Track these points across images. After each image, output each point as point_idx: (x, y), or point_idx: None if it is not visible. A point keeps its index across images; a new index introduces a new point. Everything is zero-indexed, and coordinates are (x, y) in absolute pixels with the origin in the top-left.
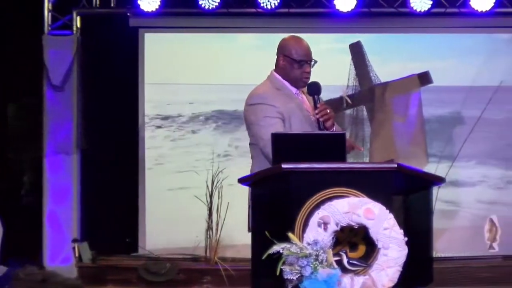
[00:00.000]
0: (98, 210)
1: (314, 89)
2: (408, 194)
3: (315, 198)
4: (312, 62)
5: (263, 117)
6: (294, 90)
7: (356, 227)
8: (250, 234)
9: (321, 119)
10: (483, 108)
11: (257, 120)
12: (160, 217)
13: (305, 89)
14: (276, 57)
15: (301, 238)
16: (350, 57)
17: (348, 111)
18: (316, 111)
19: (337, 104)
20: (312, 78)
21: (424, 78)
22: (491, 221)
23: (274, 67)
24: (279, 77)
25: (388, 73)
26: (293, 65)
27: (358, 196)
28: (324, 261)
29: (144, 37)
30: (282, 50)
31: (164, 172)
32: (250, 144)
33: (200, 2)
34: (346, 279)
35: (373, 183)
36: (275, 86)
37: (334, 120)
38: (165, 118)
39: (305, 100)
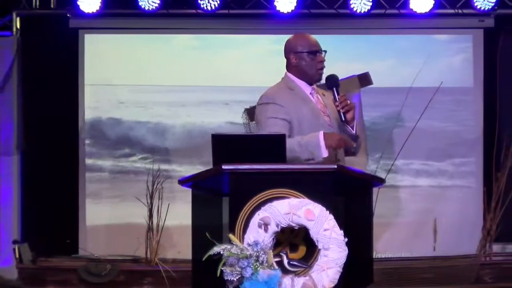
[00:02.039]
0: (38, 212)
1: (332, 82)
2: (348, 195)
3: (255, 199)
4: (323, 53)
5: (268, 118)
6: (308, 90)
7: (297, 228)
8: (190, 235)
9: (342, 111)
10: (423, 109)
11: (263, 119)
12: (101, 218)
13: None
14: (286, 59)
15: (241, 239)
16: None
17: None
18: (337, 103)
19: None
20: (251, 79)
21: (364, 79)
22: (436, 222)
23: (286, 70)
24: (293, 77)
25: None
26: (306, 58)
27: (298, 197)
28: (264, 262)
29: (84, 38)
30: (290, 48)
31: (104, 173)
32: None
33: (140, 3)
34: (287, 280)
35: (313, 184)
36: (288, 86)
37: (354, 113)
38: (105, 119)
39: (320, 100)
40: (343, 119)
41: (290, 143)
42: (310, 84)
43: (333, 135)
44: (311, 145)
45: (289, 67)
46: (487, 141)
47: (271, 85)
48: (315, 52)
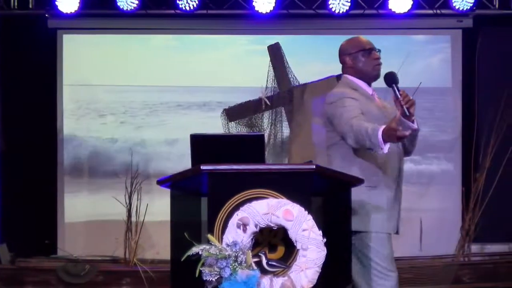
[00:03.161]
0: (17, 212)
1: (392, 79)
2: (327, 195)
3: (234, 199)
4: (378, 51)
5: (343, 107)
6: (370, 90)
7: (275, 228)
8: (169, 236)
9: (406, 106)
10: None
11: (338, 112)
12: (80, 218)
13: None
14: (341, 64)
15: (220, 240)
16: (268, 58)
17: (267, 113)
18: (401, 98)
19: (256, 106)
20: (230, 79)
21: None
22: (421, 222)
23: (342, 73)
24: (352, 78)
25: (307, 75)
26: (361, 58)
27: (277, 197)
28: (243, 262)
29: (62, 38)
30: (345, 51)
31: (83, 173)
32: (330, 145)
33: (118, 3)
34: (265, 280)
35: (292, 185)
36: (351, 86)
37: (415, 108)
38: (84, 119)
39: (380, 102)
40: (407, 114)
41: (361, 127)
42: (369, 84)
43: (390, 130)
44: (372, 138)
45: (345, 70)
46: (465, 142)
47: (249, 85)
48: (369, 50)
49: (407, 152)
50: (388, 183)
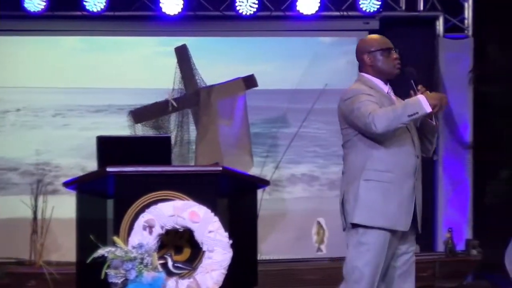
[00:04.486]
0: None
1: (409, 74)
2: (233, 197)
3: (140, 201)
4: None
5: (360, 102)
6: (386, 88)
7: (181, 230)
8: (75, 238)
9: None
10: (308, 111)
11: (355, 106)
12: None
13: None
14: (359, 62)
15: (126, 242)
16: (175, 60)
17: (173, 115)
18: (419, 94)
19: (162, 107)
20: (137, 81)
21: (249, 81)
22: (319, 223)
23: (359, 71)
24: (369, 76)
25: (214, 77)
26: (381, 57)
27: (183, 199)
28: (149, 264)
29: None
30: (364, 49)
31: None
32: (345, 142)
33: (25, 5)
34: (171, 282)
35: (198, 186)
36: (367, 84)
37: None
38: None
39: (395, 100)
40: None
41: (389, 107)
42: (386, 82)
43: (434, 95)
44: (413, 104)
45: (363, 68)
46: None
47: (156, 86)
48: (388, 50)
49: (426, 151)
50: (404, 180)
